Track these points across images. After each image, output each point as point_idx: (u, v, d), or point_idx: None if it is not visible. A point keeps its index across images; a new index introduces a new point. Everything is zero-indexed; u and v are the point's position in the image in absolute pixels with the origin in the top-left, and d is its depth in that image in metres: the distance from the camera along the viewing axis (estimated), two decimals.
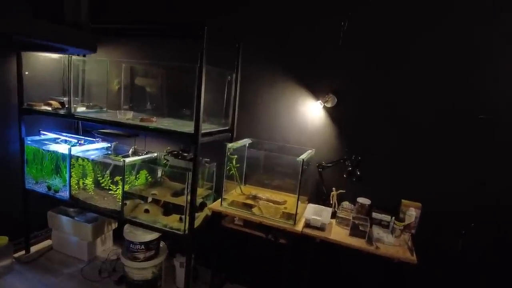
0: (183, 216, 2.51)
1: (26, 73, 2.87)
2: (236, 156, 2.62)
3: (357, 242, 2.16)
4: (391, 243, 2.15)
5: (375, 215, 2.34)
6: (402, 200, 2.40)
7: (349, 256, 2.51)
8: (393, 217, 2.31)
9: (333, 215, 2.45)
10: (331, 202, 2.56)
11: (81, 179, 2.91)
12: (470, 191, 2.27)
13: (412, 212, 2.30)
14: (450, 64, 2.27)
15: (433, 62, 2.30)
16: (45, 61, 3.07)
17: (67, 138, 3.17)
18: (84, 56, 3.28)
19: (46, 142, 3.05)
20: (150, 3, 3.11)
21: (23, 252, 3.12)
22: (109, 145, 3.13)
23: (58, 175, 3.05)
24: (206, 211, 2.70)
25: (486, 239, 2.30)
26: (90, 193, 2.92)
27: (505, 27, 2.12)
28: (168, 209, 2.69)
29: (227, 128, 2.82)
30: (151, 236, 2.67)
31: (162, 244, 2.87)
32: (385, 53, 2.42)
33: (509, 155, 2.20)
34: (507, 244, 2.28)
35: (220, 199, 2.56)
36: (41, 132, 3.18)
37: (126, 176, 2.66)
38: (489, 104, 2.21)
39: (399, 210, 2.39)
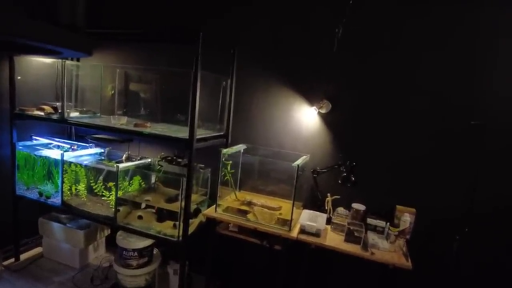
0: (177, 223, 2.49)
1: (19, 77, 2.83)
2: (230, 162, 2.61)
3: (352, 248, 2.15)
4: (386, 249, 2.15)
5: (370, 221, 2.34)
6: (397, 206, 2.40)
7: (344, 262, 2.50)
8: (388, 223, 2.31)
9: (328, 221, 2.44)
10: (326, 208, 2.56)
11: (73, 185, 2.87)
12: (465, 196, 2.28)
13: (406, 218, 2.31)
14: (445, 70, 2.30)
15: (428, 68, 2.34)
16: (38, 65, 3.04)
17: (59, 144, 3.13)
18: (78, 60, 3.27)
19: (38, 147, 3.01)
20: (144, 9, 3.11)
21: (12, 260, 3.05)
22: (102, 150, 3.10)
23: (50, 181, 3.01)
24: (201, 217, 2.68)
25: (481, 244, 2.32)
26: (82, 199, 2.88)
27: (498, 31, 2.17)
28: (162, 215, 2.66)
29: (222, 133, 2.81)
30: (144, 242, 2.64)
31: (155, 251, 2.84)
32: (379, 60, 2.44)
33: (501, 160, 2.23)
34: (501, 248, 2.29)
35: (214, 205, 2.54)
36: (33, 137, 3.14)
37: (119, 182, 2.63)
38: (483, 111, 2.24)
39: (393, 216, 2.40)
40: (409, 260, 2.05)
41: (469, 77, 2.25)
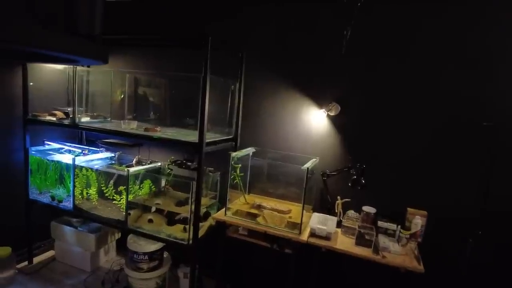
0: (187, 226, 2.50)
1: (31, 83, 2.89)
2: (240, 165, 2.62)
3: (363, 252, 2.14)
4: (397, 252, 2.13)
5: (380, 223, 2.32)
6: (408, 208, 2.38)
7: (355, 265, 2.48)
8: (399, 226, 2.29)
9: (338, 224, 2.43)
10: (336, 211, 2.55)
11: (85, 189, 2.91)
12: (476, 198, 2.25)
13: (418, 221, 2.28)
14: (453, 70, 2.28)
15: (437, 69, 2.32)
16: (50, 72, 3.10)
17: (71, 148, 3.18)
18: (88, 66, 3.32)
19: (50, 152, 3.06)
20: (152, 13, 3.14)
21: (26, 263, 3.10)
22: (113, 155, 3.14)
23: (62, 185, 3.05)
24: (210, 221, 2.69)
25: (494, 247, 2.28)
26: (94, 203, 2.92)
27: (506, 33, 2.14)
28: (172, 218, 2.68)
29: (231, 137, 2.82)
30: (154, 246, 2.65)
31: (166, 254, 2.85)
32: (388, 61, 2.43)
33: None
34: None
35: (224, 209, 2.54)
36: (46, 142, 3.19)
37: (130, 186, 2.66)
38: (493, 111, 2.21)
39: (405, 219, 2.37)
40: (421, 263, 2.02)
41: (481, 78, 2.22)
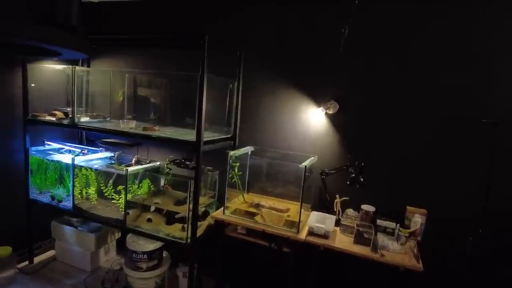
0: (185, 225, 2.50)
1: (32, 85, 2.91)
2: (238, 164, 2.61)
3: (362, 250, 2.12)
4: (396, 250, 2.11)
5: (379, 222, 2.31)
6: (407, 207, 2.36)
7: (354, 264, 2.46)
8: (398, 224, 2.27)
9: (337, 223, 2.41)
10: (335, 209, 2.53)
11: (84, 189, 2.91)
12: (476, 196, 2.22)
13: (417, 219, 2.27)
14: (452, 69, 2.26)
15: (436, 67, 2.30)
16: (50, 72, 3.11)
17: (71, 148, 3.19)
18: (88, 66, 3.34)
19: (50, 152, 3.07)
20: (151, 13, 3.15)
21: (26, 262, 3.12)
22: (112, 154, 3.14)
23: (62, 185, 3.06)
24: (209, 220, 2.69)
25: (495, 246, 2.25)
26: (93, 202, 2.92)
27: (505, 32, 2.12)
28: (171, 218, 2.67)
29: (229, 136, 2.82)
30: (153, 245, 2.65)
31: (165, 253, 2.85)
32: (387, 58, 2.42)
33: None
34: None
35: (222, 208, 2.54)
36: (46, 142, 3.21)
37: (129, 185, 2.66)
38: (492, 108, 2.19)
39: (404, 217, 2.35)
40: (420, 262, 2.01)
41: (481, 76, 2.21)
